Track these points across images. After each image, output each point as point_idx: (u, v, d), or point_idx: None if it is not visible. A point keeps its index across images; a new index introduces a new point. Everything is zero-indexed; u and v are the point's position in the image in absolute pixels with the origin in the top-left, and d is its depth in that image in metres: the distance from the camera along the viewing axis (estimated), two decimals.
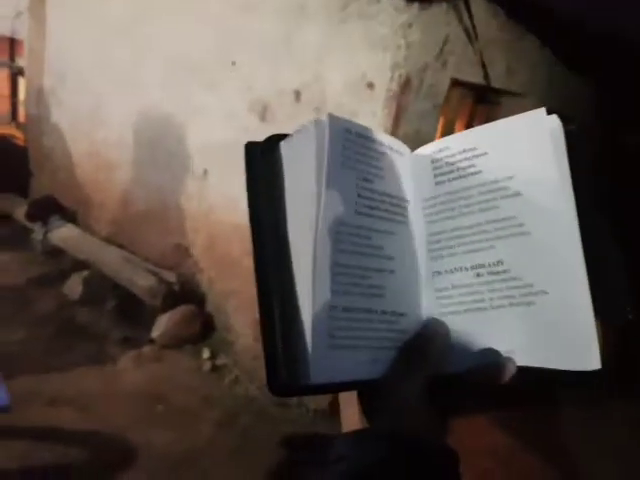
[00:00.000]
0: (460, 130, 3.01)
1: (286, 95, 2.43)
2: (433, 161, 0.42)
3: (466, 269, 0.40)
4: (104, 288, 2.93)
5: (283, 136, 0.40)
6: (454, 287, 0.40)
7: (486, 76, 2.58)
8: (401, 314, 0.40)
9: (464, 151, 0.41)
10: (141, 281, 2.76)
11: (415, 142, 1.75)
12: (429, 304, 0.41)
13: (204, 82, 2.71)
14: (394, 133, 2.20)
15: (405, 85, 2.20)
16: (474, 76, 2.54)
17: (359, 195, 0.39)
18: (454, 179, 0.41)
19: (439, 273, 0.41)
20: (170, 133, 2.90)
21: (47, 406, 2.20)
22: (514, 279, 0.38)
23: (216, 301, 2.80)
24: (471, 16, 2.33)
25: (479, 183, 0.40)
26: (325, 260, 0.36)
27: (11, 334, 2.63)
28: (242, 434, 2.24)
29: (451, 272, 0.41)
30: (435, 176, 0.42)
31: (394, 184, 0.41)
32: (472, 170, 0.40)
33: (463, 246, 0.40)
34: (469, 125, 3.04)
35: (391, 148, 0.42)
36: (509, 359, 0.38)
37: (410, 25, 2.17)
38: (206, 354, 2.64)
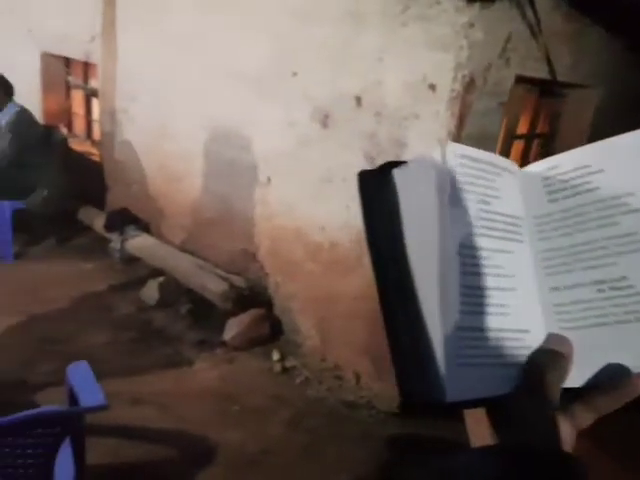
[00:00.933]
0: (524, 126, 2.94)
1: (346, 101, 2.47)
2: (544, 179, 0.43)
3: (586, 285, 0.40)
4: (178, 293, 3.09)
5: (396, 163, 0.42)
6: (574, 303, 0.41)
7: (551, 70, 2.51)
8: (524, 331, 0.41)
9: (577, 168, 0.42)
10: (213, 286, 2.88)
11: (480, 141, 1.74)
12: (549, 320, 0.42)
13: (266, 93, 2.80)
14: (458, 133, 2.19)
15: (469, 85, 2.19)
16: (539, 71, 2.48)
17: (479, 217, 0.40)
18: (568, 196, 0.42)
19: (557, 289, 0.42)
20: (235, 143, 3.01)
21: (131, 405, 2.34)
22: (639, 294, 0.39)
23: (282, 304, 2.88)
24: (535, 10, 2.28)
25: (596, 200, 0.40)
26: (451, 282, 0.38)
27: (97, 337, 2.83)
28: (313, 434, 2.29)
29: (570, 288, 0.41)
30: (548, 194, 0.43)
31: (509, 203, 0.43)
32: (588, 187, 0.41)
33: (581, 262, 0.41)
34: (534, 120, 2.97)
35: (503, 168, 0.43)
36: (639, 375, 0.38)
37: (472, 25, 2.16)
38: (276, 356, 2.72)
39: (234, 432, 2.24)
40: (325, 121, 2.59)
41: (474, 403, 0.40)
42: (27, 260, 3.63)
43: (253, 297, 2.88)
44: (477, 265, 0.39)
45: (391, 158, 1.77)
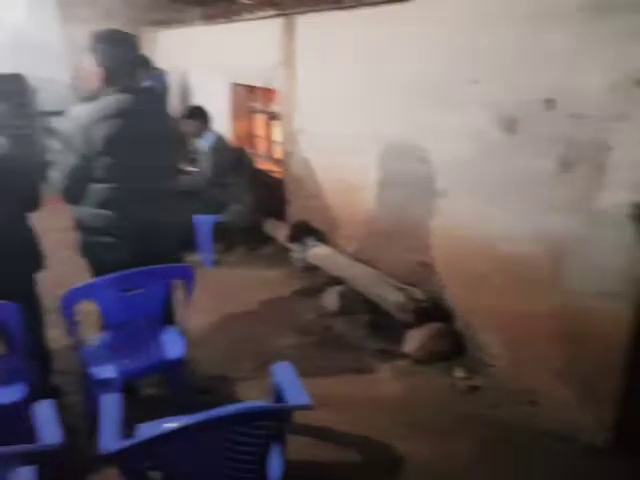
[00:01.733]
0: None
1: (536, 105, 2.32)
2: None
3: None
4: (357, 302, 3.21)
5: None
6: None
7: None
8: None
9: None
10: (391, 297, 2.93)
11: None
12: None
13: (443, 102, 2.77)
14: None
15: None
16: None
17: None
18: None
19: None
20: (411, 155, 3.03)
21: (318, 407, 2.46)
22: None
23: (464, 319, 2.80)
24: None
25: None
26: None
27: (284, 339, 3.07)
28: (504, 461, 2.15)
29: None
30: None
31: None
32: None
33: None
34: None
35: None
36: None
37: None
38: (459, 373, 2.65)
39: (418, 446, 2.22)
40: (511, 127, 2.47)
41: None
42: (223, 267, 4.11)
43: (432, 310, 2.85)
44: None
45: (592, 163, 1.63)
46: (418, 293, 2.91)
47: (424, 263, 3.02)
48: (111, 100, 2.13)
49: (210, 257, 4.08)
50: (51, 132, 6.27)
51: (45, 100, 6.66)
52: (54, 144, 2.16)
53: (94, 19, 6.17)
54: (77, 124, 2.08)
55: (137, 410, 1.84)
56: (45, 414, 1.64)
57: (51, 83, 6.64)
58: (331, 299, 3.30)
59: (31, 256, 2.27)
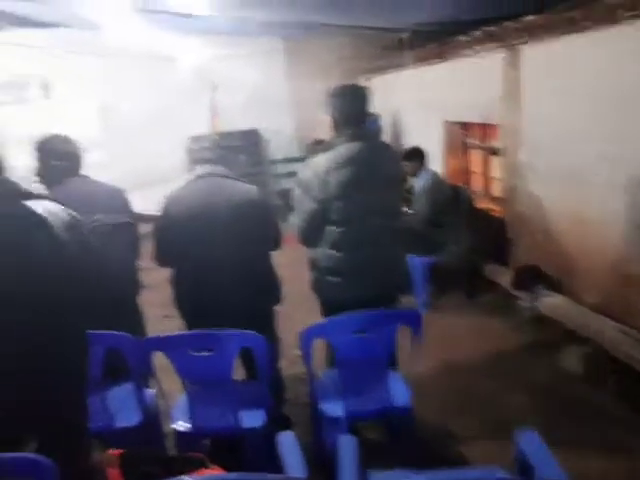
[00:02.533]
0: None
1: None
2: None
3: None
4: (605, 364, 2.69)
5: None
6: None
7: None
8: None
9: None
10: None
11: None
12: None
13: None
14: None
15: None
16: None
17: None
18: None
19: None
20: None
21: None
22: None
23: None
24: None
25: None
26: None
27: (513, 399, 2.73)
28: None
29: None
30: None
31: None
32: None
33: None
34: None
35: None
36: None
37: None
38: None
39: None
40: None
41: None
42: (437, 310, 3.91)
43: None
44: None
45: None
46: None
47: None
48: (344, 149, 2.24)
49: (424, 300, 3.95)
50: (283, 178, 7.08)
51: (274, 149, 7.60)
52: (296, 192, 2.32)
53: (313, 74, 6.84)
54: (315, 173, 2.23)
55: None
56: (289, 445, 1.67)
57: (278, 134, 7.56)
58: (572, 359, 2.84)
59: (272, 290, 2.46)
